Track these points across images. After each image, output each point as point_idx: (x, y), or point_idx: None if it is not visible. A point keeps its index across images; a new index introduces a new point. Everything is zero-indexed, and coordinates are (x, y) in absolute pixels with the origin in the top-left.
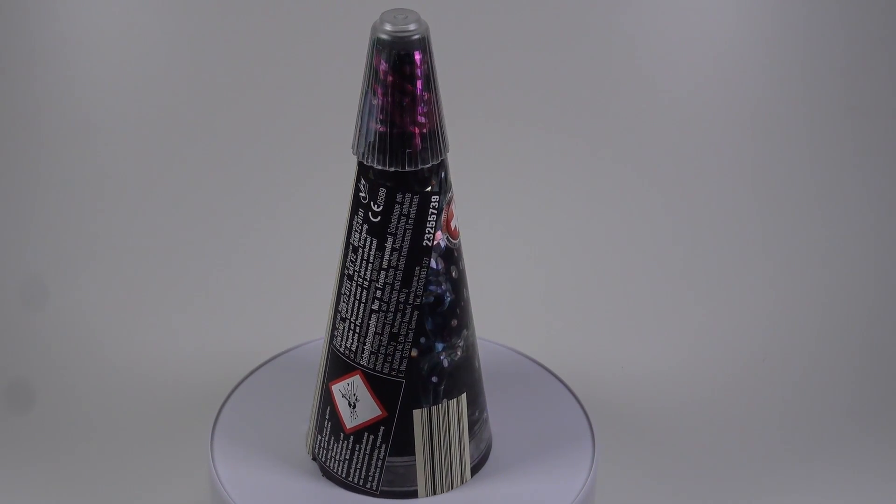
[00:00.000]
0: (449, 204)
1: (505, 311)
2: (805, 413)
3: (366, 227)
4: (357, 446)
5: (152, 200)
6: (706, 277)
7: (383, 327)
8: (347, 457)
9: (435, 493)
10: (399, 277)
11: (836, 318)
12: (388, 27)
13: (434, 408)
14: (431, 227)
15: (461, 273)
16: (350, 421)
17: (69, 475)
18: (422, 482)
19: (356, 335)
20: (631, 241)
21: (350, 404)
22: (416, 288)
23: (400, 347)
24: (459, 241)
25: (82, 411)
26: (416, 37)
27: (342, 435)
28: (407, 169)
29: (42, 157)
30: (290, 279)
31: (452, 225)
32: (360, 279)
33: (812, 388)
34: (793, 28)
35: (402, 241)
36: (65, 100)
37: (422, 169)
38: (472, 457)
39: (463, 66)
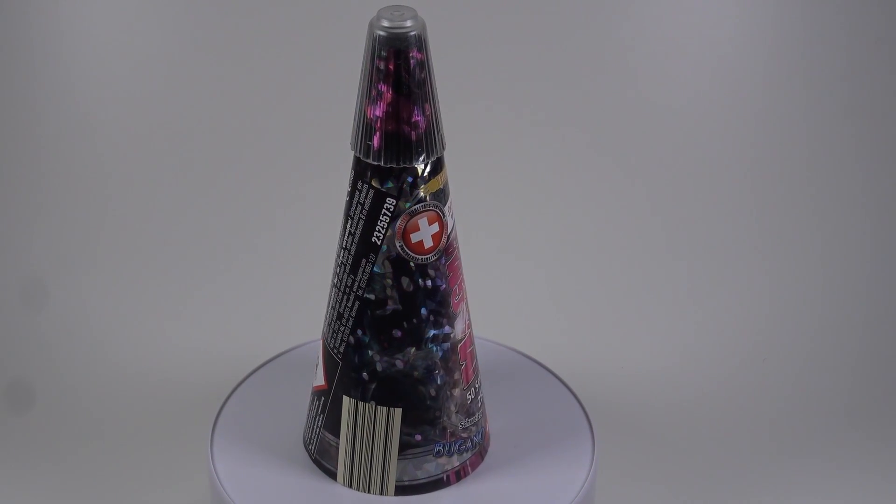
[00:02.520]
0: (415, 216)
1: (502, 309)
2: (803, 412)
3: (344, 202)
4: (311, 405)
5: (153, 201)
6: (704, 275)
7: (335, 303)
8: (306, 413)
9: (351, 486)
10: (350, 261)
11: (834, 317)
12: (384, 23)
13: (362, 404)
14: (382, 228)
15: (421, 292)
16: (313, 380)
17: (68, 475)
18: (341, 469)
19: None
20: (629, 240)
21: (316, 364)
22: (360, 279)
23: (342, 329)
24: (428, 260)
25: (82, 411)
26: (413, 33)
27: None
28: (365, 159)
29: (42, 157)
30: (291, 280)
31: (413, 238)
32: (338, 251)
33: (810, 386)
34: (793, 28)
35: (356, 227)
36: (66, 99)
37: (380, 165)
38: (405, 478)
39: (460, 63)
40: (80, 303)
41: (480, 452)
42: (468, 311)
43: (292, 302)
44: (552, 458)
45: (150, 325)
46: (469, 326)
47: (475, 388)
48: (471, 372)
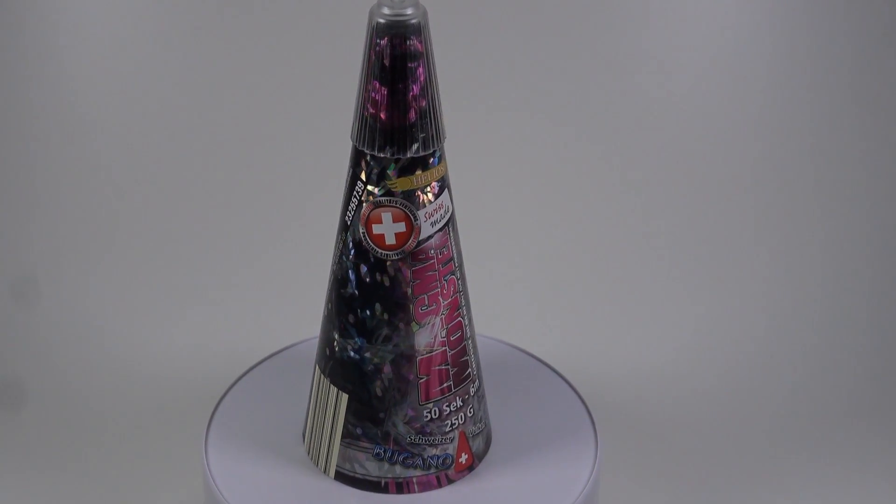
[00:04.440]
0: (379, 207)
1: (502, 306)
2: (808, 409)
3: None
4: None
5: (148, 196)
6: (708, 271)
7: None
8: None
9: (309, 454)
10: (337, 233)
11: (839, 312)
12: (385, 10)
13: (321, 375)
14: (351, 209)
15: (378, 287)
16: None
17: (61, 474)
18: (308, 431)
19: None
20: (631, 236)
21: None
22: (336, 252)
23: (329, 295)
24: (388, 256)
25: (75, 410)
26: (414, 21)
27: None
28: (353, 142)
29: (37, 152)
30: (289, 275)
31: (375, 230)
32: None
33: (816, 383)
34: (800, 20)
35: (343, 200)
36: (61, 94)
37: (356, 147)
38: (346, 466)
39: (462, 51)
40: (72, 300)
41: (440, 478)
42: (451, 331)
43: (292, 297)
44: (554, 456)
45: (144, 322)
46: (444, 345)
47: (441, 412)
48: (434, 392)
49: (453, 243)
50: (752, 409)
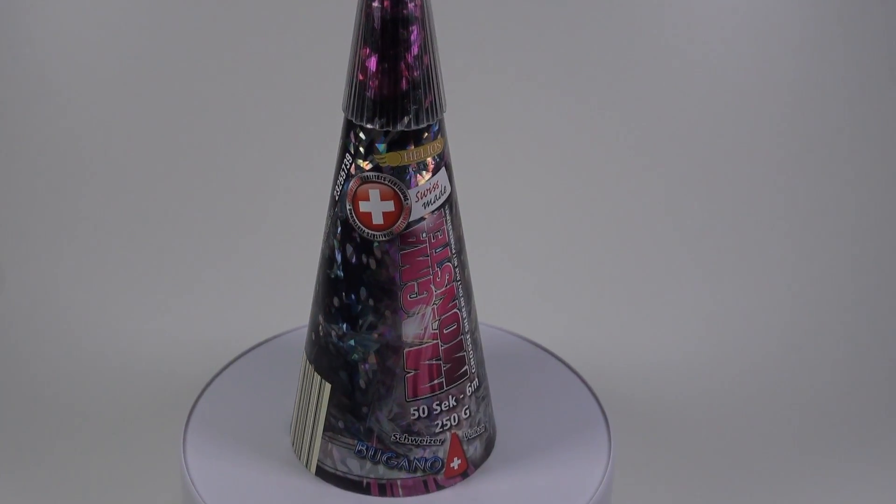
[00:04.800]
0: (366, 183)
1: (509, 295)
2: (838, 406)
3: None
4: None
5: (120, 175)
6: (728, 260)
7: None
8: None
9: (293, 447)
10: (328, 206)
11: (870, 303)
12: None
13: (307, 362)
14: (339, 184)
15: (364, 269)
16: None
17: (26, 476)
18: (293, 422)
19: None
20: (646, 222)
21: None
22: (325, 231)
23: (318, 276)
24: (375, 237)
25: (43, 406)
26: None
27: None
28: (344, 112)
29: (12, 135)
30: (280, 259)
31: (362, 207)
32: None
33: (845, 379)
34: (829, 7)
35: (334, 174)
36: (25, 73)
37: (346, 117)
38: (327, 462)
39: (470, 17)
40: (40, 288)
41: (427, 483)
42: (445, 323)
43: (284, 282)
44: (564, 455)
45: (118, 311)
46: (436, 338)
47: (431, 410)
48: (423, 388)
49: (451, 227)
50: (776, 406)
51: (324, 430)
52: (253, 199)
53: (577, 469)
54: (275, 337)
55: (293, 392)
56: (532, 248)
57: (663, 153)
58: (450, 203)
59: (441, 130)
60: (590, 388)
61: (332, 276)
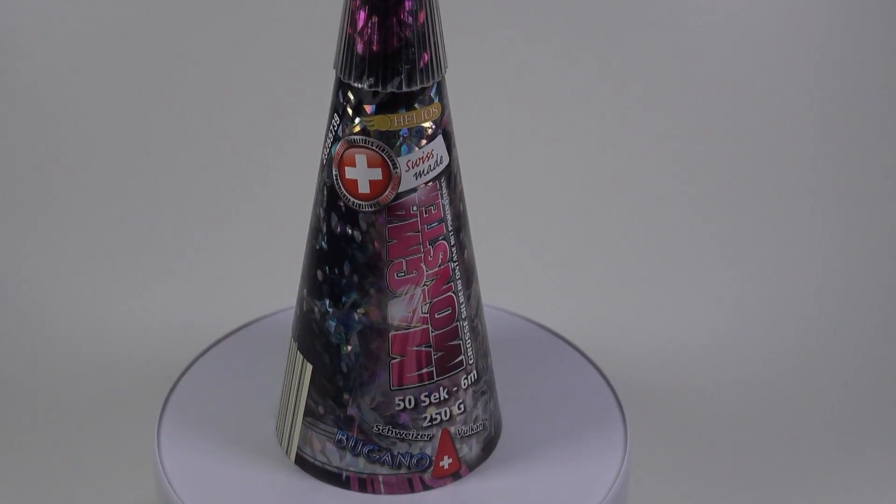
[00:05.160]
0: (353, 147)
1: (517, 276)
2: (861, 397)
3: None
4: None
5: (97, 155)
6: (754, 236)
7: None
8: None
9: (276, 431)
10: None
11: None
12: None
13: (292, 340)
14: (327, 147)
15: (349, 241)
16: None
17: None
18: (279, 406)
19: None
20: (665, 196)
21: None
22: (314, 199)
23: (306, 247)
24: (360, 207)
25: (9, 395)
26: None
27: None
28: (335, 69)
29: None
30: (261, 238)
31: (347, 174)
32: None
33: (869, 368)
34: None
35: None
36: (9, 53)
37: (338, 77)
38: (307, 449)
39: None
40: (12, 271)
41: (412, 481)
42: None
43: (260, 266)
44: (576, 449)
45: (90, 293)
46: (426, 322)
47: (418, 402)
48: (410, 377)
49: (447, 202)
50: (804, 397)
51: (304, 415)
52: (237, 167)
53: (589, 466)
54: (260, 319)
55: (278, 378)
56: (543, 226)
57: (687, 128)
58: (448, 175)
59: (441, 95)
60: (604, 376)
61: (317, 248)
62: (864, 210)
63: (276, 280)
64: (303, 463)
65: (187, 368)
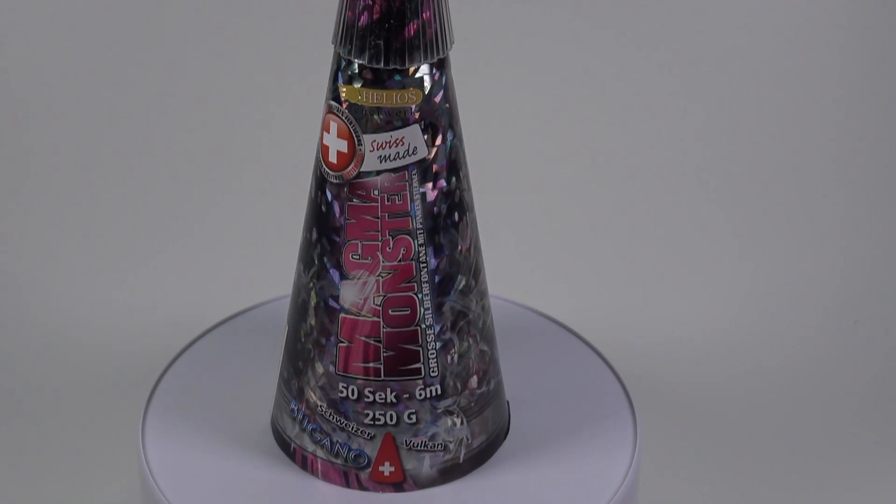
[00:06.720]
0: (329, 113)
1: (519, 264)
2: (880, 390)
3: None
4: None
5: (79, 136)
6: (767, 221)
7: None
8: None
9: None
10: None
11: None
12: None
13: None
14: (321, 116)
15: (316, 208)
16: None
17: None
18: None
19: None
20: (674, 181)
21: None
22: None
23: None
24: (328, 175)
25: None
26: None
27: None
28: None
29: None
30: (249, 229)
31: (325, 139)
32: None
33: (887, 361)
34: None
35: None
36: None
37: (335, 51)
38: (279, 420)
39: None
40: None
41: (348, 476)
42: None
43: (252, 253)
44: (583, 444)
45: (72, 279)
46: (377, 315)
47: (361, 395)
48: (355, 367)
49: (418, 199)
50: (819, 389)
51: (279, 376)
52: (225, 156)
53: (599, 461)
54: (248, 309)
55: (265, 370)
56: (551, 216)
57: (699, 115)
58: (423, 170)
59: (433, 87)
60: (612, 368)
61: (306, 210)
62: (881, 200)
63: (265, 271)
64: (273, 428)
65: (173, 360)
